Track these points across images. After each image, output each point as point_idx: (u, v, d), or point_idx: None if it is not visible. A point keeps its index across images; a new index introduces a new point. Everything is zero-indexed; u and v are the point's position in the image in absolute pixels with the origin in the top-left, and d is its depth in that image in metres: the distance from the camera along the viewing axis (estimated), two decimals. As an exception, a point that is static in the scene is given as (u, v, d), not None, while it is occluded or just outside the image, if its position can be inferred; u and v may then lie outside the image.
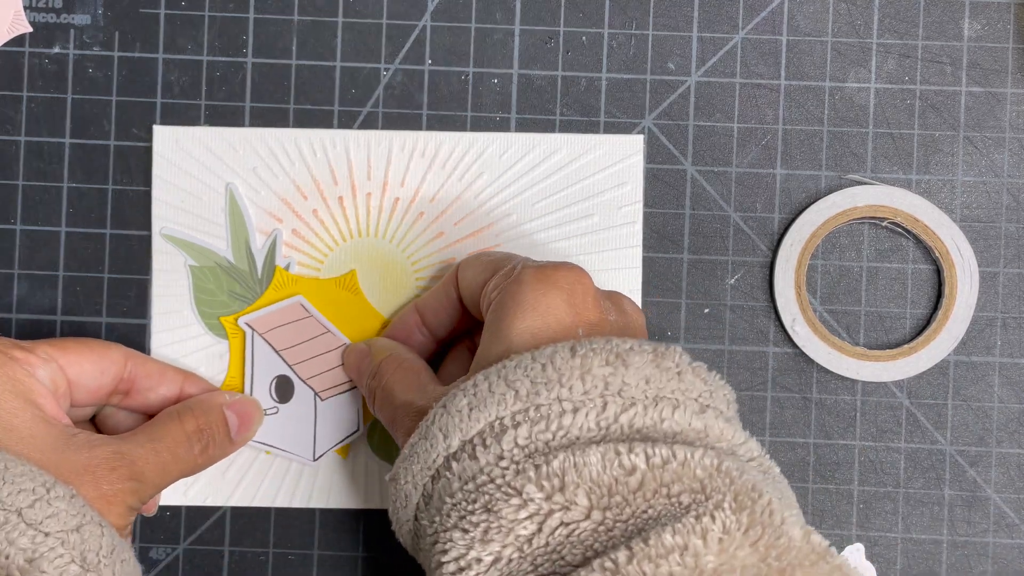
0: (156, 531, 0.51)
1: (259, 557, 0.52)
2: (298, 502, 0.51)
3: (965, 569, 0.51)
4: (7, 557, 0.38)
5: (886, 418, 0.52)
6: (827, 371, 0.51)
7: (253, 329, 0.51)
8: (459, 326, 0.49)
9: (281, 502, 0.51)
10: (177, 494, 0.51)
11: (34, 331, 0.51)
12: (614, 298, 0.45)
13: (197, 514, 0.51)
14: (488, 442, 0.39)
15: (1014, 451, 0.51)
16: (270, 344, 0.51)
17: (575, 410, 0.39)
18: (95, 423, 0.49)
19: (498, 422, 0.40)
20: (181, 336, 0.51)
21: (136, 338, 0.51)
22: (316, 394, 0.51)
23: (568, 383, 0.40)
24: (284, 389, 0.51)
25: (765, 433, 0.51)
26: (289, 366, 0.51)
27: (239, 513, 0.51)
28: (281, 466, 0.51)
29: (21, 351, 0.44)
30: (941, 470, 0.51)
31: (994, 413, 0.51)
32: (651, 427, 0.39)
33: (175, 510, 0.51)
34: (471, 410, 0.40)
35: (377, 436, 0.52)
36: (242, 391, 0.51)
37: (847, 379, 0.51)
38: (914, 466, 0.51)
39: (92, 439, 0.44)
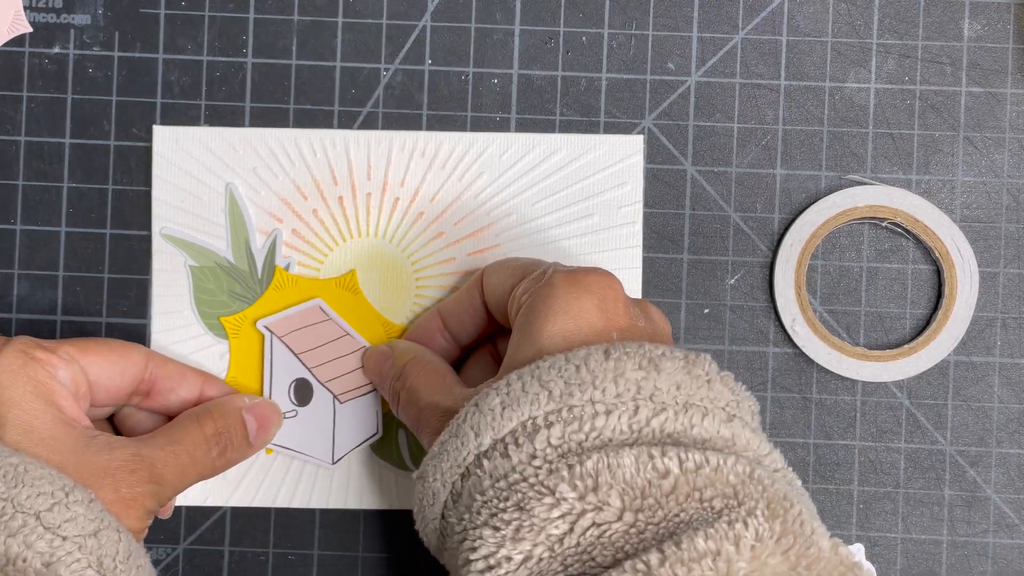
0: (156, 531, 0.51)
1: (259, 557, 0.52)
2: (298, 502, 0.51)
3: (965, 569, 0.51)
4: (24, 560, 0.39)
5: (886, 418, 0.52)
6: (827, 371, 0.51)
7: (272, 332, 0.51)
8: (482, 332, 0.49)
9: (281, 502, 0.51)
10: (177, 494, 0.51)
11: (34, 331, 0.51)
12: (642, 305, 0.45)
13: (197, 514, 0.51)
14: (521, 441, 0.40)
15: (1014, 451, 0.51)
16: (289, 347, 0.51)
17: (608, 412, 0.39)
18: (114, 423, 0.49)
19: (531, 421, 0.40)
20: (181, 336, 0.51)
21: (136, 338, 0.51)
22: (335, 397, 0.51)
23: (601, 385, 0.40)
24: (303, 392, 0.51)
25: (765, 433, 0.51)
26: (308, 369, 0.51)
27: (239, 513, 0.52)
28: (281, 466, 0.51)
29: (43, 351, 0.44)
30: (941, 470, 0.51)
31: (994, 413, 0.51)
32: (681, 432, 0.40)
33: (175, 510, 0.51)
34: (504, 409, 0.40)
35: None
36: (255, 392, 0.51)
37: (847, 379, 0.51)
38: (914, 466, 0.51)
39: (112, 441, 0.44)
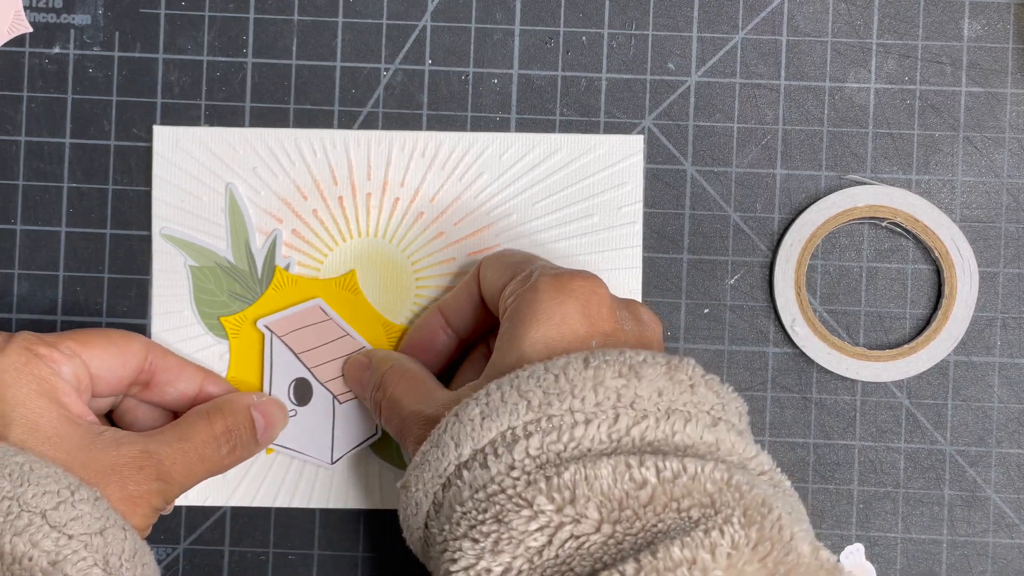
0: (156, 531, 0.51)
1: (259, 557, 0.52)
2: (298, 502, 0.51)
3: (965, 569, 0.51)
4: (31, 559, 0.39)
5: (886, 418, 0.52)
6: (827, 371, 0.51)
7: (272, 331, 0.51)
8: (481, 325, 0.49)
9: (281, 502, 0.51)
10: (177, 494, 0.51)
11: (34, 331, 0.51)
12: (631, 307, 0.45)
13: (197, 514, 0.51)
14: (500, 451, 0.39)
15: (1014, 451, 0.51)
16: (289, 347, 0.51)
17: (587, 422, 0.39)
18: (113, 418, 0.49)
19: (510, 432, 0.40)
20: (181, 336, 0.51)
21: (136, 338, 0.51)
22: (335, 397, 0.51)
23: (580, 394, 0.40)
24: (303, 392, 0.51)
25: (765, 433, 0.51)
26: (308, 369, 0.51)
27: (239, 513, 0.52)
28: (281, 466, 0.51)
29: (46, 347, 0.44)
30: (941, 470, 0.51)
31: (994, 413, 0.51)
32: (663, 440, 0.39)
33: (175, 510, 0.51)
34: (483, 419, 0.40)
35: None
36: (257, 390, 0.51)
37: (847, 379, 0.51)
38: (914, 466, 0.51)
39: (119, 437, 0.44)
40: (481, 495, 0.39)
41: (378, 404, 0.47)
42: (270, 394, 0.51)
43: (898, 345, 0.52)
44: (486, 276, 0.47)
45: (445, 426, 0.41)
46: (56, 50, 0.52)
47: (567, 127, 0.52)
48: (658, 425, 0.39)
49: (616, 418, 0.39)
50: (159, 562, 0.51)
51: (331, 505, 0.51)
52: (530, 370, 0.41)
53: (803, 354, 0.51)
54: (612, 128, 0.52)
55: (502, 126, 0.52)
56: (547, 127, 0.52)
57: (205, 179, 0.51)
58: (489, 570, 0.37)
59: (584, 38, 0.52)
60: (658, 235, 0.52)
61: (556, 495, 0.38)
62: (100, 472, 0.42)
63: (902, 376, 0.51)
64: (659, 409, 0.40)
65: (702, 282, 0.52)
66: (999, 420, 0.51)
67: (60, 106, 0.52)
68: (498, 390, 0.41)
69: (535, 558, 0.37)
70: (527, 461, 0.39)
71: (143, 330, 0.51)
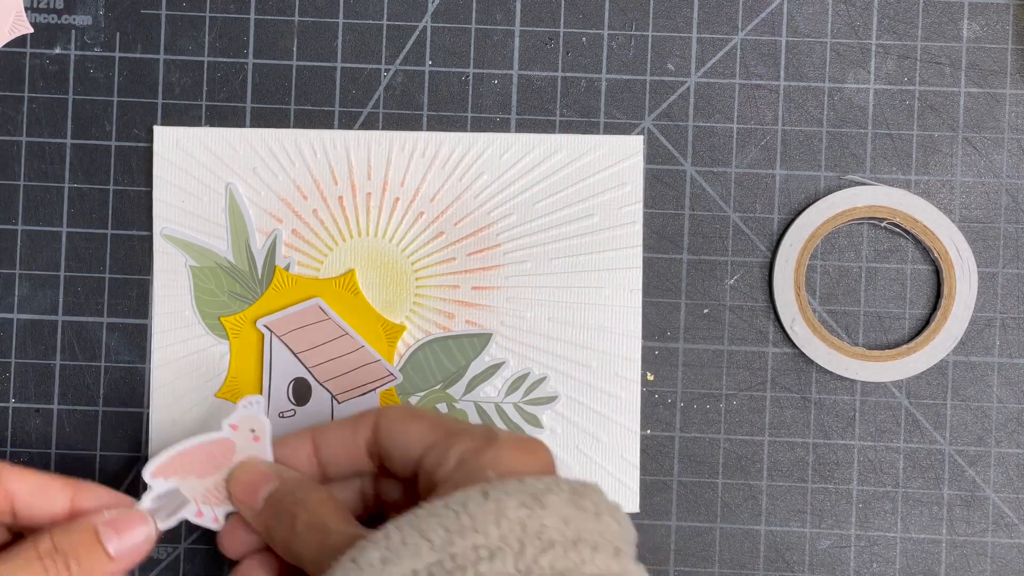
0: (156, 531, 0.51)
1: (259, 557, 0.51)
2: (298, 502, 0.51)
3: (964, 569, 0.51)
4: None
5: (885, 418, 0.52)
6: (826, 371, 0.51)
7: (271, 331, 0.51)
8: (353, 471, 0.46)
9: (281, 502, 0.51)
10: (177, 494, 0.51)
11: (35, 331, 0.51)
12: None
13: (197, 514, 0.52)
14: None
15: (1013, 451, 0.51)
16: (288, 346, 0.51)
17: (491, 556, 0.38)
18: None
19: (413, 574, 0.38)
20: (182, 336, 0.51)
21: (137, 338, 0.51)
22: (333, 397, 0.51)
23: (483, 529, 0.38)
24: (301, 391, 0.51)
25: (764, 433, 0.51)
26: (307, 368, 0.51)
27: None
28: (281, 466, 0.51)
29: None
30: (940, 470, 0.52)
31: (993, 413, 0.52)
32: (572, 569, 0.38)
33: (175, 510, 0.51)
34: (384, 564, 0.38)
35: (377, 436, 0.52)
36: (255, 392, 0.51)
37: (846, 379, 0.52)
38: (913, 466, 0.52)
39: None
40: None
41: (293, 516, 0.43)
42: (269, 394, 0.51)
43: (897, 345, 0.52)
44: (400, 432, 0.44)
45: (345, 573, 0.39)
46: (57, 51, 0.52)
47: (567, 127, 0.52)
48: (566, 554, 0.38)
49: (522, 549, 0.38)
50: (159, 562, 0.51)
51: (331, 505, 0.51)
52: (428, 508, 0.39)
53: (802, 354, 0.51)
54: (612, 128, 0.52)
55: (502, 126, 0.52)
56: (547, 127, 0.52)
57: (205, 179, 0.51)
58: None
59: (584, 39, 0.52)
60: (658, 235, 0.52)
61: None
62: None
63: (901, 376, 0.51)
64: (566, 537, 0.39)
65: (702, 282, 0.52)
66: (998, 420, 0.51)
67: (61, 106, 0.52)
68: (398, 532, 0.39)
69: None
70: None
71: (144, 330, 0.51)
